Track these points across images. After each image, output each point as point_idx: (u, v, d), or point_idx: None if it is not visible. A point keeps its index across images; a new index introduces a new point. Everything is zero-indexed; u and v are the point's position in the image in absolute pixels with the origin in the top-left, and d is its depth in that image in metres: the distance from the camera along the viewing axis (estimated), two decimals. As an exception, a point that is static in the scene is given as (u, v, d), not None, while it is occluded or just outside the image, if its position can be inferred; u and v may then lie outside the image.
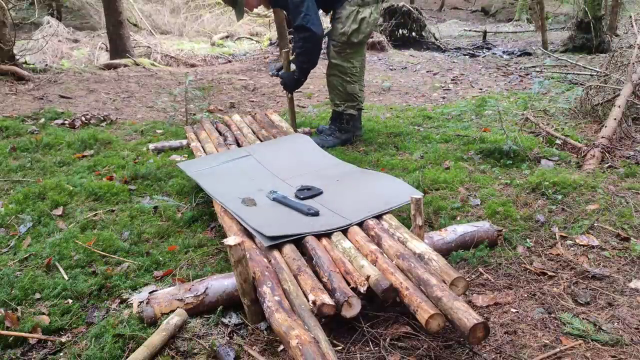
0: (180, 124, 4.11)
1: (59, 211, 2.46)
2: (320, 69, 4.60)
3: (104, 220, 2.38)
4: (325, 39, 3.38)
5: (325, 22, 3.73)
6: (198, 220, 2.38)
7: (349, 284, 1.57)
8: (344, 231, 1.91)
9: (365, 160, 3.08)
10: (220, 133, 3.32)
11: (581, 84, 4.82)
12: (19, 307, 1.73)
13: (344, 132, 3.41)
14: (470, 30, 11.91)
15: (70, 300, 1.77)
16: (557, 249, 2.03)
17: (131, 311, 1.69)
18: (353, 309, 1.48)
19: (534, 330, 1.59)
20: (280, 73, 3.36)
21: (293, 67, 3.27)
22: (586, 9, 7.34)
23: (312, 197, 2.17)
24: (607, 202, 2.38)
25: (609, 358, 1.46)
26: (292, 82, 3.29)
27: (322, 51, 3.38)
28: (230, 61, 8.54)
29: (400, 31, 9.42)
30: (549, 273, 1.88)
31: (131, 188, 2.74)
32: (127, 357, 1.47)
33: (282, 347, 1.52)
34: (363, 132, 3.61)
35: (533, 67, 6.51)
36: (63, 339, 1.59)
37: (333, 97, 3.40)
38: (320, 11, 3.29)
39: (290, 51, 3.38)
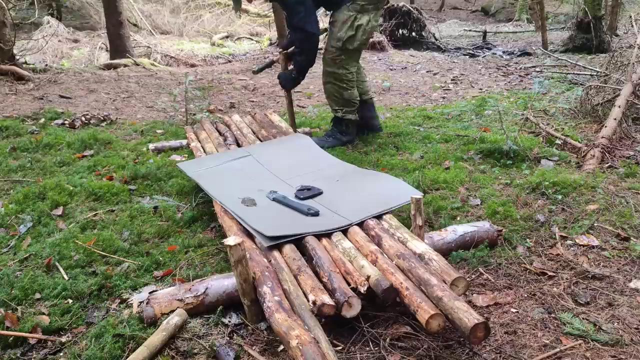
0: (180, 124, 4.11)
1: (59, 211, 2.46)
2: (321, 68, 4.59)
3: (104, 220, 2.38)
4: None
5: (325, 22, 3.71)
6: (198, 220, 2.38)
7: (349, 284, 1.57)
8: (344, 231, 1.91)
9: (365, 160, 3.08)
10: (220, 133, 3.32)
11: (581, 84, 4.82)
12: (19, 307, 1.72)
13: (345, 135, 3.41)
14: (470, 30, 11.91)
15: (70, 300, 1.77)
16: (557, 249, 2.03)
17: (131, 311, 1.69)
18: (353, 309, 1.48)
19: (534, 330, 1.59)
20: (278, 74, 3.37)
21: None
22: (586, 9, 7.34)
23: (312, 197, 2.17)
24: (607, 202, 2.38)
25: (609, 358, 1.46)
26: (290, 81, 3.31)
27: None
28: (230, 61, 8.53)
29: (400, 31, 9.42)
30: (549, 273, 1.88)
31: (131, 188, 2.74)
32: (127, 357, 1.47)
33: (282, 347, 1.52)
34: (379, 123, 3.58)
35: (533, 67, 6.50)
36: (63, 339, 1.59)
37: (331, 103, 3.39)
38: (322, 10, 3.27)
39: (285, 51, 3.39)
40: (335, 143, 3.35)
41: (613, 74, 3.91)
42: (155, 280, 1.91)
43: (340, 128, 3.40)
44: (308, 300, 1.50)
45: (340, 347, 1.52)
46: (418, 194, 1.89)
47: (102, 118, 4.25)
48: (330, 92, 3.31)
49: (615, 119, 3.22)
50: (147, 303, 1.66)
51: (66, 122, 4.09)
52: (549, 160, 2.96)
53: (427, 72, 6.70)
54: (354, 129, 3.43)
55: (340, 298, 1.48)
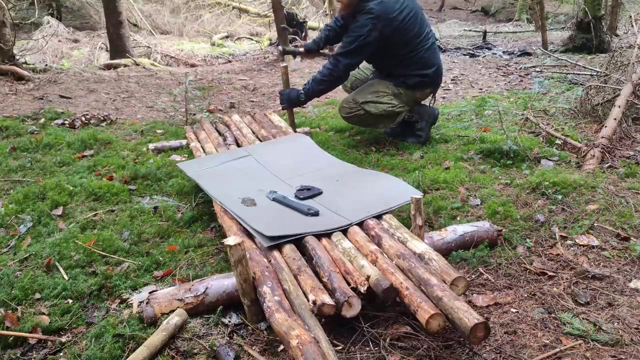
0: (180, 124, 4.11)
1: (59, 211, 2.46)
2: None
3: (104, 220, 2.38)
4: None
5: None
6: (198, 220, 2.38)
7: (349, 284, 1.57)
8: (344, 231, 1.91)
9: (365, 160, 3.08)
10: (219, 133, 3.32)
11: (581, 84, 4.82)
12: (19, 307, 1.73)
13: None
14: (470, 30, 11.90)
15: (70, 300, 1.77)
16: (557, 249, 2.03)
17: (131, 311, 1.69)
18: (353, 309, 1.48)
19: (534, 330, 1.59)
20: (279, 90, 3.32)
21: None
22: (586, 9, 7.32)
23: (312, 197, 2.17)
24: (607, 202, 2.38)
25: (609, 358, 1.46)
26: (295, 102, 3.26)
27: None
28: (230, 61, 8.54)
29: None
30: (549, 273, 1.88)
31: (131, 188, 2.74)
32: (127, 357, 1.47)
33: (282, 347, 1.52)
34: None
35: (533, 67, 6.50)
36: (63, 339, 1.59)
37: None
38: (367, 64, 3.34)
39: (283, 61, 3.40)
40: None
41: (613, 74, 3.91)
42: (155, 280, 1.91)
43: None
44: (308, 300, 1.50)
45: (340, 347, 1.53)
46: (418, 194, 1.89)
47: (102, 118, 4.25)
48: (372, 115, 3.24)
49: (615, 119, 3.22)
50: (147, 303, 1.66)
51: (66, 122, 4.09)
52: (549, 160, 2.96)
53: (427, 72, 6.67)
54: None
55: (340, 298, 1.48)
